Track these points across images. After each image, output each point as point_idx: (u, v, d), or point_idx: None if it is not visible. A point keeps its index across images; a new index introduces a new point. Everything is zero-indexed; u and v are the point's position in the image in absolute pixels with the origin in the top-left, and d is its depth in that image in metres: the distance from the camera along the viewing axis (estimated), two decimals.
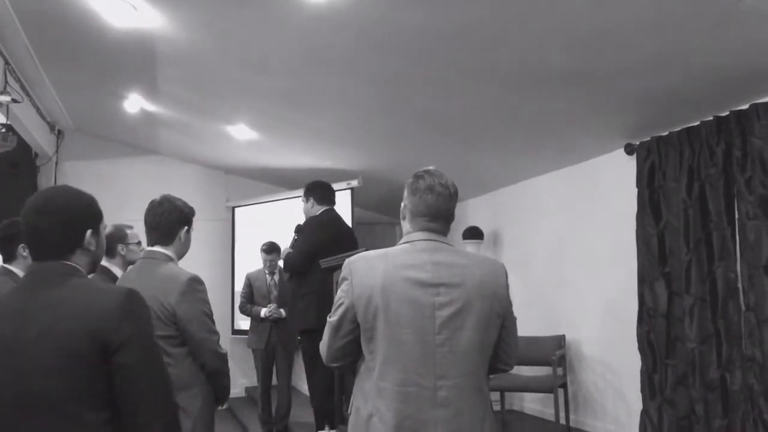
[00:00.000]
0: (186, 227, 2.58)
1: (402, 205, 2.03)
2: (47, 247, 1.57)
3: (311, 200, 4.30)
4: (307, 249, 4.06)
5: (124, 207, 7.05)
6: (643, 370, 4.55)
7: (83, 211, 1.63)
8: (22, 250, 2.84)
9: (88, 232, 1.61)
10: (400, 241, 2.00)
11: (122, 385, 1.47)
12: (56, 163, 7.01)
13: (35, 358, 1.43)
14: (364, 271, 1.90)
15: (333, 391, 3.67)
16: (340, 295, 1.93)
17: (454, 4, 3.23)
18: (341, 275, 1.96)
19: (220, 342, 2.54)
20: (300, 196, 6.85)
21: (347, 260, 1.97)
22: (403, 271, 1.88)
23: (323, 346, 1.99)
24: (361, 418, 1.88)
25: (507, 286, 1.99)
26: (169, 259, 2.52)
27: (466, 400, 1.85)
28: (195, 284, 2.43)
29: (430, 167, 2.02)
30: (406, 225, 2.02)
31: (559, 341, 5.40)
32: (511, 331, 2.00)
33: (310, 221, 4.27)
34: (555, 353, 5.14)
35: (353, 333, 1.90)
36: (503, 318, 1.95)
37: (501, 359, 2.00)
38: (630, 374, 4.73)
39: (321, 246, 3.92)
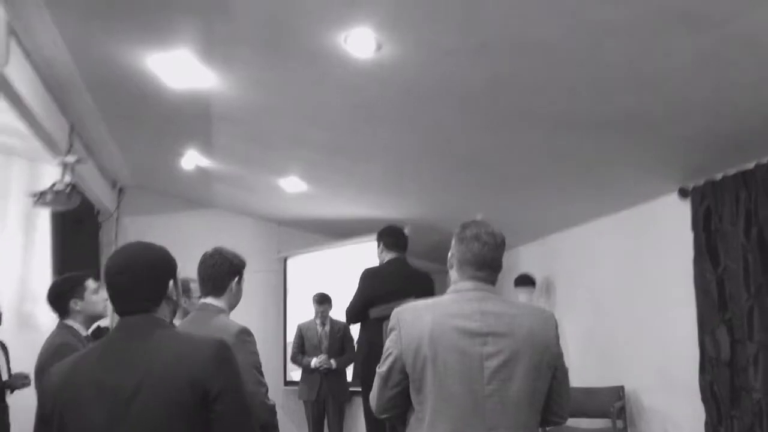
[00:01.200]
0: (237, 278, 2.64)
1: (449, 254, 2.05)
2: (135, 302, 1.62)
3: (381, 246, 4.26)
4: (358, 298, 4.04)
5: (181, 260, 7.29)
6: (708, 422, 4.36)
7: (164, 264, 1.70)
8: (74, 305, 2.90)
9: (171, 282, 1.69)
10: (448, 291, 2.02)
11: (221, 430, 1.51)
12: (117, 219, 7.27)
13: (138, 407, 1.46)
14: (411, 321, 1.91)
15: None
16: (389, 345, 1.94)
17: (497, 54, 3.29)
18: (389, 326, 1.98)
19: (272, 394, 2.56)
20: (349, 245, 6.99)
21: (395, 310, 1.99)
22: (451, 320, 1.88)
23: (372, 398, 2.00)
24: None
25: (557, 337, 1.97)
26: (221, 310, 2.58)
27: None
28: (244, 336, 2.47)
29: (478, 217, 2.05)
30: (453, 274, 2.04)
31: (618, 392, 5.23)
32: (562, 382, 1.98)
33: (366, 271, 4.24)
34: (614, 405, 4.98)
35: (402, 384, 1.91)
36: (554, 369, 1.93)
37: (554, 411, 1.97)
38: (693, 427, 4.53)
39: (374, 296, 3.89)
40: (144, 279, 1.63)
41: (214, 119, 4.85)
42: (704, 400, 4.38)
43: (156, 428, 1.46)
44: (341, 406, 5.61)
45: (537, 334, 1.90)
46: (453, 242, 2.04)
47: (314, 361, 5.52)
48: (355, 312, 4.01)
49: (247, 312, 7.36)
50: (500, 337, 1.87)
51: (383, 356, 1.96)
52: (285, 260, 7.97)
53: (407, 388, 1.90)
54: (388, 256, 4.19)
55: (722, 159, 4.23)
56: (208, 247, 2.71)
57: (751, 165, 4.13)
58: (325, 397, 5.53)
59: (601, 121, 3.89)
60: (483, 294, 1.94)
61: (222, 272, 2.60)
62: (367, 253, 4.83)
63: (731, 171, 4.29)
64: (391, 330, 1.96)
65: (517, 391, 1.84)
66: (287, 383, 7.49)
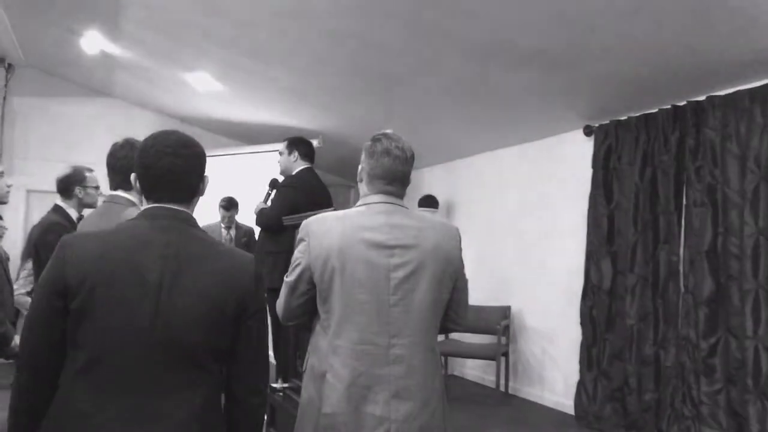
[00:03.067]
0: None
1: (359, 167, 2.03)
2: (177, 191, 1.54)
3: (295, 154, 4.11)
4: (287, 206, 3.89)
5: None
6: (583, 343, 4.71)
7: (204, 159, 1.62)
8: (79, 192, 2.99)
9: (206, 178, 1.62)
10: (357, 204, 2.01)
11: (248, 345, 1.53)
12: (4, 98, 6.74)
13: (184, 307, 1.43)
14: (321, 233, 1.91)
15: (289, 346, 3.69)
16: (297, 256, 1.94)
17: None
18: (299, 236, 1.96)
19: None
20: (257, 152, 6.82)
21: (304, 222, 1.97)
22: (360, 232, 1.89)
23: (279, 306, 2.00)
24: (316, 375, 1.90)
25: (460, 249, 2.02)
26: (132, 203, 2.47)
27: (418, 357, 1.89)
28: None
29: (388, 131, 2.02)
30: (363, 188, 2.03)
31: (505, 311, 5.54)
32: (462, 292, 2.05)
33: (292, 179, 4.11)
34: (500, 323, 5.27)
35: (309, 293, 1.92)
36: (456, 279, 1.99)
37: (452, 319, 2.05)
38: (570, 347, 4.90)
39: (299, 205, 3.83)
40: (194, 167, 1.56)
41: (123, 0, 4.50)
42: (582, 323, 4.72)
43: (196, 329, 1.44)
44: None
45: (441, 246, 1.95)
46: (363, 156, 2.01)
47: None
48: (276, 220, 3.91)
49: None
50: (407, 249, 1.90)
51: (291, 265, 1.95)
52: None
53: (314, 297, 1.92)
54: (302, 165, 4.12)
55: (629, 101, 4.40)
56: (105, 138, 2.60)
57: (654, 110, 4.31)
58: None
59: (520, 54, 3.93)
60: (392, 207, 1.95)
61: (133, 165, 2.46)
62: (274, 161, 4.72)
63: (636, 114, 4.47)
64: (300, 240, 1.95)
65: (421, 301, 1.89)
66: None
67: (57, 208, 3.05)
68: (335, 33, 4.22)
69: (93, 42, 5.54)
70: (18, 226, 6.50)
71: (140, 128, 7.13)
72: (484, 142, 6.02)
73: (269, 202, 4.12)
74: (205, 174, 1.63)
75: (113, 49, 5.65)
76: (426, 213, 6.26)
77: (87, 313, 1.39)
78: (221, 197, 5.68)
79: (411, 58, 4.38)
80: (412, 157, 2.01)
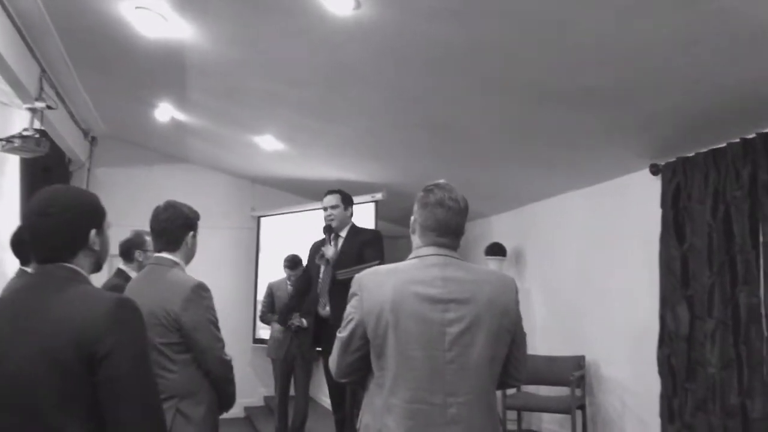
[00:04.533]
0: (191, 232, 2.59)
1: (412, 219, 2.03)
2: (50, 250, 1.51)
3: (350, 209, 4.29)
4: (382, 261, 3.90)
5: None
6: (663, 393, 4.47)
7: (87, 211, 1.57)
8: (139, 255, 3.04)
9: (93, 231, 1.57)
10: (410, 256, 2.01)
11: (107, 398, 1.38)
12: (89, 169, 7.17)
13: (18, 363, 1.37)
14: (373, 287, 1.90)
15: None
16: (350, 311, 1.93)
17: (477, 18, 3.25)
18: (351, 291, 1.97)
19: (242, 350, 2.55)
20: (321, 206, 6.96)
21: (357, 276, 1.97)
22: (413, 286, 1.88)
23: (332, 362, 1.99)
24: None
25: (517, 302, 1.97)
26: (175, 264, 2.54)
27: (477, 417, 1.84)
28: (200, 291, 2.43)
29: (441, 181, 2.02)
30: (415, 239, 2.02)
31: (579, 362, 5.34)
32: (520, 346, 1.99)
33: (378, 235, 4.22)
34: (574, 374, 5.08)
35: (363, 349, 1.90)
36: (513, 333, 1.94)
37: (511, 374, 1.99)
38: (649, 398, 4.66)
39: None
40: (62, 223, 1.51)
41: (189, 72, 4.76)
42: (661, 372, 4.49)
43: (35, 387, 1.35)
44: (309, 364, 5.66)
45: (497, 299, 1.90)
46: (415, 207, 2.01)
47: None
48: None
49: (220, 269, 7.39)
50: (462, 303, 1.87)
51: (344, 321, 1.94)
52: (258, 219, 7.94)
53: (368, 354, 1.90)
54: (350, 221, 4.27)
55: (695, 137, 4.26)
56: (181, 201, 2.67)
57: (722, 144, 4.16)
58: (293, 355, 5.56)
59: (577, 94, 3.89)
60: (445, 260, 1.93)
61: (176, 226, 2.55)
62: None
63: (703, 149, 4.32)
64: (353, 295, 1.94)
65: (477, 357, 1.84)
66: (256, 341, 7.53)
67: (119, 272, 3.19)
68: (389, 87, 4.32)
69: (165, 111, 5.87)
70: None
71: (215, 189, 7.55)
72: (549, 187, 5.93)
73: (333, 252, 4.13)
74: (100, 228, 1.59)
75: (184, 117, 5.95)
76: (494, 262, 6.20)
77: None
78: (286, 255, 5.79)
79: (469, 107, 4.41)
80: (466, 207, 1.99)
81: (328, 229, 4.25)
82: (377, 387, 1.89)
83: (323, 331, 4.03)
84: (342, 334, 1.94)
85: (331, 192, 4.33)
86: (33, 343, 1.38)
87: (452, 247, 1.98)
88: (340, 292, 3.94)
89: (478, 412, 1.85)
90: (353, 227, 4.27)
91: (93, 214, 1.58)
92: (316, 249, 4.31)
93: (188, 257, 2.60)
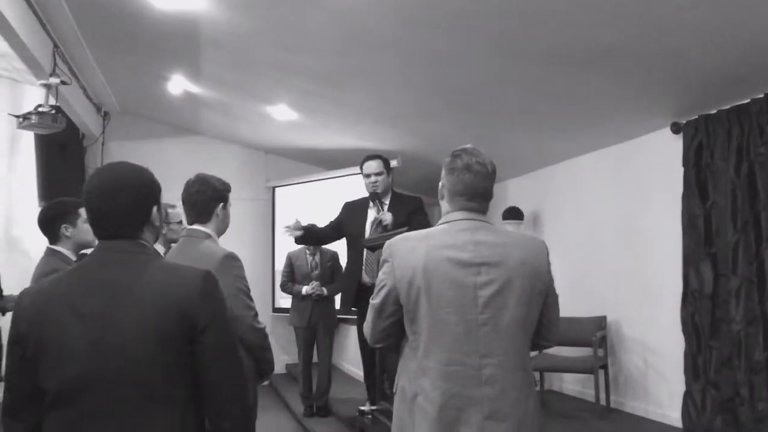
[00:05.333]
0: (222, 203, 2.60)
1: (440, 184, 2.02)
2: (118, 227, 1.54)
3: (391, 176, 4.20)
4: None
5: (168, 186, 7.20)
6: (687, 352, 4.48)
7: (149, 188, 1.61)
8: (65, 230, 2.83)
9: (154, 208, 1.61)
10: (440, 222, 2.00)
11: (207, 363, 1.48)
12: (102, 144, 7.17)
13: (125, 335, 1.43)
14: (404, 253, 1.91)
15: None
16: (382, 277, 1.94)
17: None
18: (382, 257, 1.97)
19: (261, 319, 2.57)
20: (337, 177, 6.95)
21: (387, 242, 1.97)
22: (444, 251, 1.88)
23: (367, 328, 2.01)
24: (407, 397, 1.90)
25: (548, 264, 1.97)
26: (208, 236, 2.56)
27: (511, 378, 1.86)
28: (230, 260, 2.45)
29: (468, 146, 2.00)
30: (444, 205, 2.02)
31: (600, 322, 5.35)
32: (552, 308, 2.00)
33: (421, 201, 4.17)
34: (596, 334, 5.10)
35: (396, 314, 1.91)
36: (545, 295, 1.95)
37: (543, 336, 2.00)
38: (672, 356, 4.67)
39: None
40: (129, 202, 1.55)
41: (202, 44, 4.72)
42: (685, 331, 4.49)
43: (140, 356, 1.42)
44: (331, 332, 5.71)
45: (528, 262, 1.91)
46: (443, 173, 1.99)
47: (306, 288, 5.58)
48: None
49: (236, 240, 7.36)
50: (493, 266, 1.87)
51: (377, 287, 1.96)
52: (273, 189, 7.94)
53: (401, 319, 1.91)
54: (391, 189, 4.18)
55: (717, 94, 4.19)
56: (195, 173, 2.66)
57: (746, 100, 4.09)
58: (315, 323, 5.60)
59: (593, 54, 3.82)
60: (475, 224, 1.93)
61: (206, 198, 2.56)
62: (357, 184, 4.78)
63: (725, 106, 4.25)
64: (384, 262, 1.95)
65: (510, 319, 1.85)
66: (275, 310, 7.60)
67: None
68: (402, 51, 4.26)
69: (177, 84, 5.83)
70: None
71: (228, 161, 7.55)
72: (566, 150, 5.88)
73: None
74: (159, 203, 1.63)
75: (196, 89, 5.92)
76: (511, 226, 6.18)
77: (39, 358, 1.45)
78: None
79: (483, 70, 4.35)
80: (494, 171, 1.98)
81: (374, 196, 4.12)
82: (411, 351, 1.91)
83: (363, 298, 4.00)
84: (375, 300, 1.95)
85: (371, 157, 4.17)
86: (136, 315, 1.44)
87: (481, 211, 1.98)
88: None
89: (512, 372, 1.86)
90: (395, 194, 4.19)
91: (154, 190, 1.63)
92: (357, 209, 4.21)
93: (220, 229, 2.62)
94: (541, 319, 1.96)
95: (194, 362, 1.47)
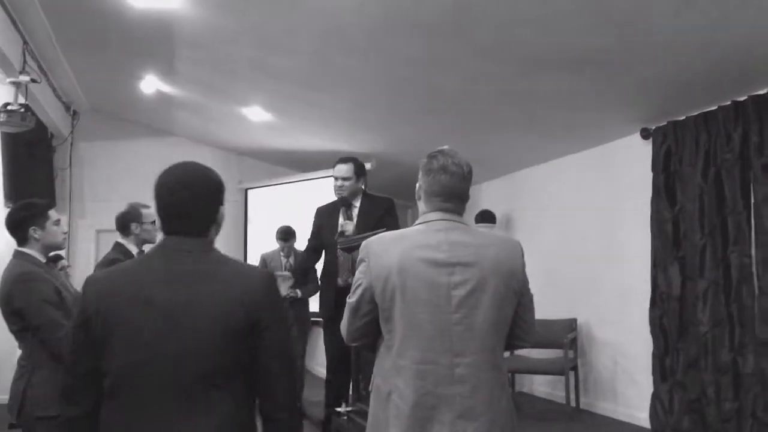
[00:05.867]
0: None
1: (417, 185, 2.03)
2: (193, 222, 1.59)
3: (362, 180, 4.02)
4: None
5: (139, 187, 7.15)
6: (655, 353, 4.56)
7: (218, 188, 1.66)
8: (34, 232, 2.73)
9: (222, 207, 1.66)
10: (416, 222, 2.02)
11: (266, 358, 1.54)
12: (71, 144, 7.06)
13: (193, 326, 1.47)
14: (380, 253, 1.92)
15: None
16: (358, 276, 1.95)
17: None
18: (359, 257, 1.98)
19: None
20: (311, 179, 6.91)
21: (364, 242, 1.98)
22: (419, 251, 1.89)
23: (343, 327, 2.01)
24: (382, 395, 1.91)
25: (523, 264, 1.99)
26: None
27: (483, 377, 1.87)
28: None
29: (445, 147, 2.01)
30: (421, 205, 2.03)
31: (571, 324, 5.42)
32: (528, 308, 2.01)
33: (392, 202, 4.05)
34: (566, 336, 5.16)
35: (372, 313, 1.92)
36: (520, 295, 1.96)
37: (518, 336, 2.01)
38: (641, 358, 4.75)
39: None
40: (205, 198, 1.60)
41: (176, 43, 4.67)
42: (653, 332, 4.58)
43: (206, 347, 1.47)
44: (304, 334, 5.70)
45: (503, 262, 1.92)
46: (420, 174, 2.01)
47: (281, 290, 5.55)
48: None
49: None
50: (467, 266, 1.88)
51: (353, 286, 1.96)
52: (246, 191, 7.89)
53: (377, 318, 1.92)
54: (361, 191, 4.08)
55: (686, 100, 4.29)
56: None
57: (713, 107, 4.19)
58: (289, 325, 5.58)
59: (566, 60, 3.88)
60: (450, 224, 1.94)
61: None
62: (330, 186, 4.76)
63: (693, 113, 4.35)
64: (361, 261, 1.96)
65: (484, 318, 1.87)
66: None
67: (117, 246, 3.17)
68: (379, 53, 4.27)
69: (150, 84, 5.77)
70: (89, 266, 6.75)
71: (200, 162, 7.43)
72: (540, 153, 5.95)
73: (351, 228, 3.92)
74: (223, 202, 1.67)
75: (169, 89, 5.86)
76: (483, 229, 6.22)
77: (104, 342, 1.49)
78: (278, 226, 5.75)
79: (459, 72, 4.38)
80: (470, 172, 1.99)
81: (341, 201, 4.04)
82: (386, 349, 1.92)
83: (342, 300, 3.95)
84: (351, 299, 1.96)
85: (342, 160, 4.02)
86: (207, 307, 1.50)
87: (457, 212, 1.99)
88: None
89: (484, 371, 1.88)
90: (366, 196, 4.09)
91: (223, 190, 1.68)
92: (328, 215, 4.13)
93: None
94: (516, 320, 1.98)
95: (255, 356, 1.53)
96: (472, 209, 6.53)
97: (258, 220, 7.61)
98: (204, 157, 6.75)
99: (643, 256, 4.71)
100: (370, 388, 2.01)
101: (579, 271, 5.58)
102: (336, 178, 4.00)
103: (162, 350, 1.46)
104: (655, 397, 4.53)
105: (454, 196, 1.97)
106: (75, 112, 7.04)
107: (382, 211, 3.95)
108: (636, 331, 4.81)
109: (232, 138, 7.26)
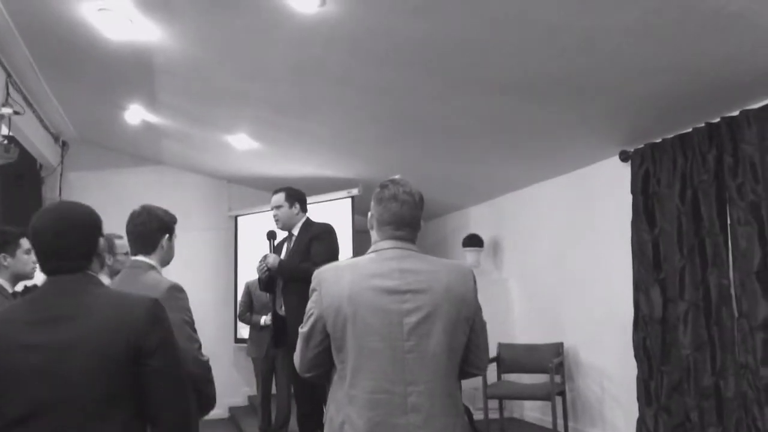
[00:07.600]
0: (167, 235, 2.58)
1: (369, 214, 2.05)
2: (68, 261, 1.63)
3: (297, 206, 4.10)
4: (335, 258, 3.78)
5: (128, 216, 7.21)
6: (639, 377, 4.53)
7: (93, 221, 1.72)
8: (3, 260, 2.81)
9: (101, 239, 1.72)
10: (369, 251, 2.03)
11: (153, 385, 1.57)
12: (61, 174, 7.09)
13: (73, 363, 1.51)
14: (332, 282, 1.92)
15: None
16: (310, 306, 1.95)
17: (443, 15, 3.26)
18: (311, 286, 1.98)
19: (224, 351, 2.54)
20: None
21: (317, 271, 1.99)
22: (371, 280, 1.90)
23: (296, 357, 2.01)
24: (334, 426, 1.90)
25: (475, 291, 2.00)
26: (152, 267, 2.54)
27: (437, 404, 1.86)
28: (175, 292, 2.42)
29: (396, 176, 2.04)
30: (373, 234, 2.05)
31: (557, 348, 5.39)
32: (480, 335, 2.01)
33: (328, 228, 4.05)
34: (553, 361, 5.13)
35: (324, 343, 1.92)
36: (472, 322, 1.97)
37: (472, 363, 2.01)
38: (627, 381, 4.71)
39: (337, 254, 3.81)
40: (77, 237, 1.65)
41: (158, 73, 4.72)
42: (637, 356, 4.54)
43: (84, 383, 1.50)
44: (290, 363, 5.64)
45: (454, 288, 1.93)
46: (372, 203, 2.03)
47: (264, 319, 5.54)
48: None
49: (199, 270, 7.35)
50: (419, 293, 1.89)
51: (305, 316, 1.97)
52: (236, 218, 7.91)
53: (329, 348, 1.91)
54: (302, 218, 4.11)
55: (663, 123, 4.31)
56: (156, 203, 2.65)
57: (689, 129, 4.21)
58: (274, 354, 5.54)
59: (547, 85, 3.91)
60: (402, 252, 1.96)
61: (151, 230, 2.55)
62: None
63: (670, 135, 4.37)
64: (313, 290, 1.96)
65: (436, 346, 1.87)
66: (237, 340, 7.51)
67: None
68: (357, 83, 4.31)
69: (135, 114, 5.82)
70: None
71: (190, 191, 7.51)
72: (522, 178, 5.97)
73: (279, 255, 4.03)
74: (102, 234, 1.73)
75: (155, 118, 5.91)
76: (471, 253, 6.24)
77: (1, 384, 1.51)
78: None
79: (439, 101, 4.42)
80: (421, 200, 2.03)
81: (270, 235, 4.11)
82: (340, 379, 1.92)
83: (281, 330, 3.99)
84: (303, 329, 1.96)
85: (276, 191, 4.16)
86: (87, 343, 1.53)
87: (409, 240, 2.01)
88: (291, 291, 3.90)
89: (438, 399, 1.87)
90: (306, 222, 4.11)
91: (98, 223, 1.74)
92: (279, 245, 4.23)
93: (164, 260, 2.60)
94: (469, 346, 1.98)
95: (141, 385, 1.56)
96: (461, 233, 6.54)
97: (248, 248, 7.60)
98: (193, 185, 6.82)
99: (626, 278, 4.70)
100: (324, 419, 2.00)
101: (565, 295, 5.56)
102: (271, 208, 4.11)
103: (42, 392, 1.49)
104: (641, 421, 4.49)
105: (405, 224, 1.99)
106: (65, 143, 7.08)
107: (311, 236, 3.99)
108: (621, 355, 4.78)
109: (221, 166, 7.30)
